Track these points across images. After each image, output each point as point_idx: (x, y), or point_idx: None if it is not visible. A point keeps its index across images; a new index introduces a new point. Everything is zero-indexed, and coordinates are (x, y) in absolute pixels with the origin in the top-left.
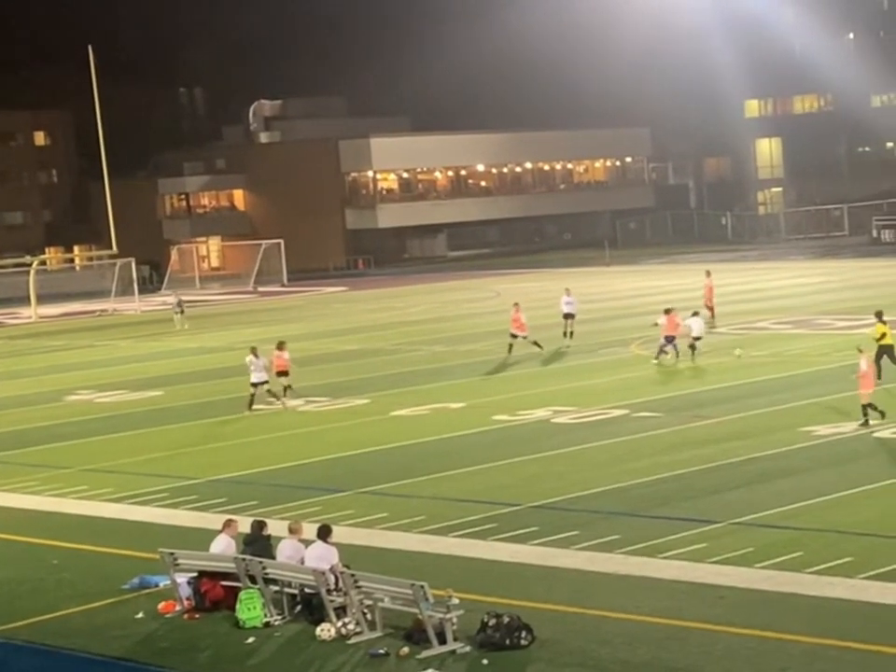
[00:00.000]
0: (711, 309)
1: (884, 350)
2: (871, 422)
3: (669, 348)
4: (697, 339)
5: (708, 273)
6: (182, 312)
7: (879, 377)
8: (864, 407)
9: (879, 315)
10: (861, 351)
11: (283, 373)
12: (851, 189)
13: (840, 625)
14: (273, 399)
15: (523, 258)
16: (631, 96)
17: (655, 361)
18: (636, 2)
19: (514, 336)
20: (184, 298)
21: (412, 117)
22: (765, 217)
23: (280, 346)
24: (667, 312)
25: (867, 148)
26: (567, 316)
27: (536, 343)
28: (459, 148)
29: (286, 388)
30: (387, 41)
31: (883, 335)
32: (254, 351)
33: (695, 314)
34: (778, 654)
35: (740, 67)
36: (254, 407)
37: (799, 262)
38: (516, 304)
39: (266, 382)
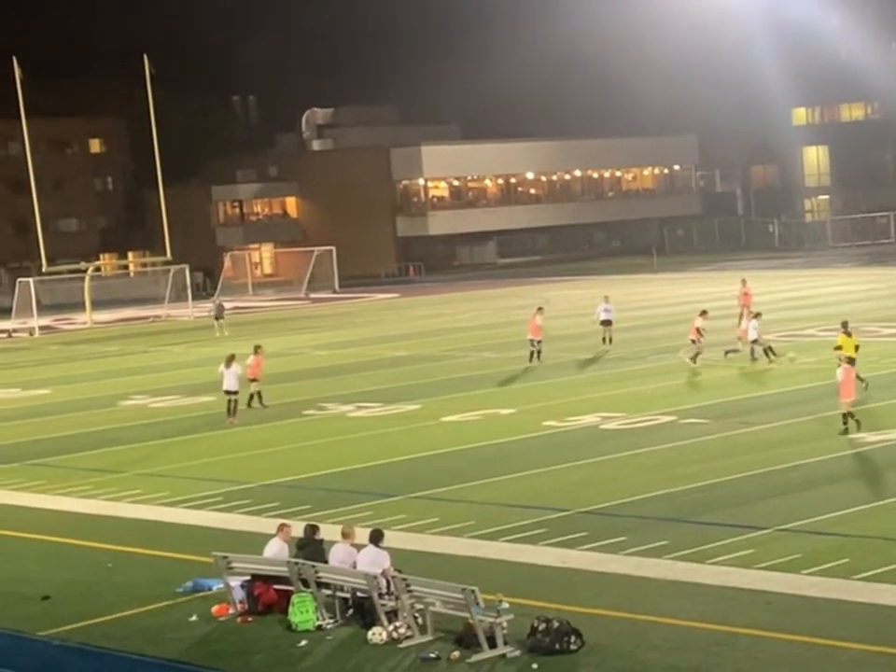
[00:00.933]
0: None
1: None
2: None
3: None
4: (754, 342)
5: (744, 281)
6: (220, 317)
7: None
8: (844, 416)
9: (844, 325)
10: (840, 360)
11: (254, 380)
12: None
13: (889, 632)
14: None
15: (571, 265)
16: (679, 104)
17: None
18: (684, 10)
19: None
20: (224, 303)
21: (462, 125)
22: (812, 224)
23: (256, 350)
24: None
25: None
26: (606, 323)
27: (537, 353)
28: (509, 156)
29: (252, 395)
30: (438, 49)
31: (839, 347)
32: (230, 360)
33: (757, 315)
34: (826, 661)
35: (787, 75)
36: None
37: (845, 270)
38: (540, 308)
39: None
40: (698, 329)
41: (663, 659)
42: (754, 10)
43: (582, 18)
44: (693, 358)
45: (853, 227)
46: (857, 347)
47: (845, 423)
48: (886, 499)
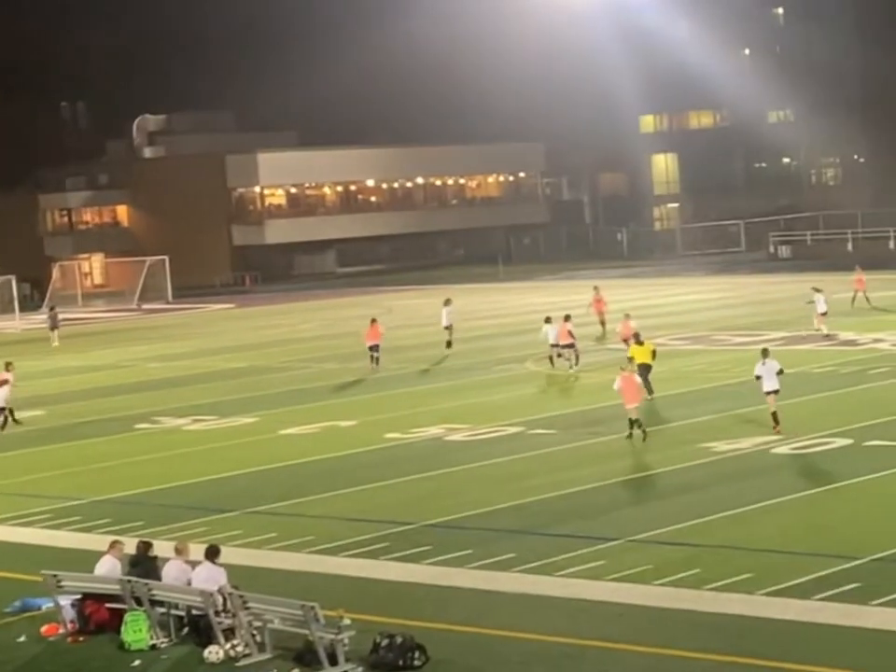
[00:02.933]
0: (603, 324)
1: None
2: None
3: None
4: (554, 346)
5: (597, 289)
6: (56, 328)
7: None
8: (630, 422)
9: (636, 336)
10: (622, 369)
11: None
12: (748, 204)
13: (740, 642)
14: None
15: (414, 274)
16: (524, 111)
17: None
18: (531, 14)
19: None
20: (59, 314)
21: (300, 131)
22: (662, 232)
23: (7, 367)
24: (566, 318)
25: (763, 164)
26: (448, 328)
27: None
28: (348, 163)
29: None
30: (275, 55)
31: (632, 358)
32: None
33: (548, 320)
34: None
35: (635, 82)
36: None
37: (696, 278)
38: (373, 320)
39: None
40: (570, 333)
41: None
42: (603, 16)
43: (426, 21)
44: (575, 362)
45: (703, 235)
46: (654, 353)
47: (630, 428)
48: (736, 509)
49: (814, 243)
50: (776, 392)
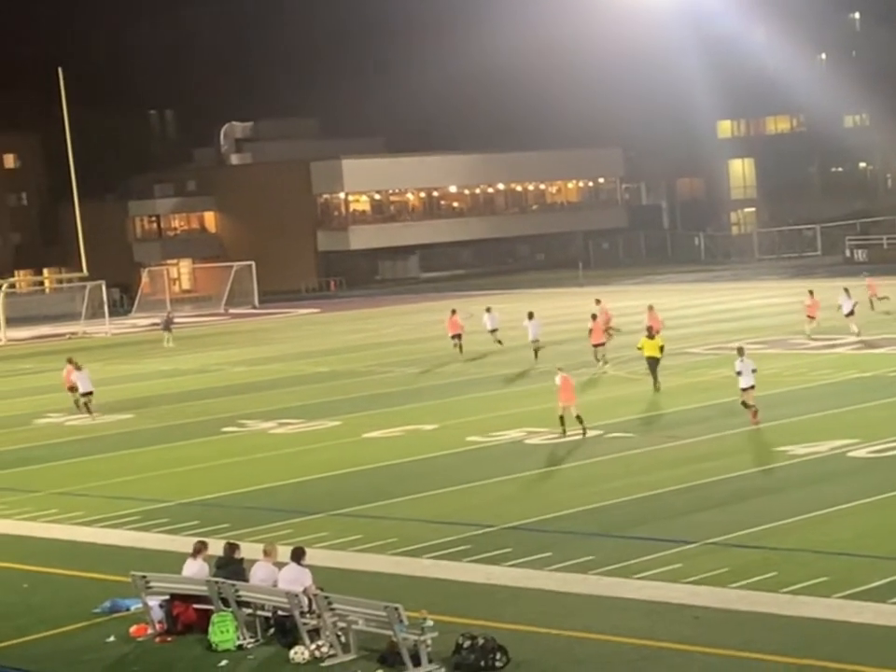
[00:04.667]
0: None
1: (649, 362)
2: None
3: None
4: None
5: (598, 301)
6: (169, 329)
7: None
8: (561, 417)
9: (649, 329)
10: (560, 369)
11: (73, 388)
12: (824, 208)
13: (816, 645)
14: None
15: (496, 279)
16: (604, 117)
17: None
18: (610, 22)
19: (455, 337)
20: (174, 317)
21: (384, 138)
22: (738, 237)
23: (71, 361)
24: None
25: (839, 168)
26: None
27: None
28: (431, 170)
29: (84, 404)
30: (359, 62)
31: (641, 348)
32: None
33: (529, 315)
34: None
35: (713, 88)
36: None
37: (772, 282)
38: (453, 311)
39: (91, 393)
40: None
41: None
42: (681, 22)
43: (508, 30)
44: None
45: (779, 239)
46: (661, 348)
47: (562, 424)
48: (813, 512)
49: (890, 246)
50: (752, 388)
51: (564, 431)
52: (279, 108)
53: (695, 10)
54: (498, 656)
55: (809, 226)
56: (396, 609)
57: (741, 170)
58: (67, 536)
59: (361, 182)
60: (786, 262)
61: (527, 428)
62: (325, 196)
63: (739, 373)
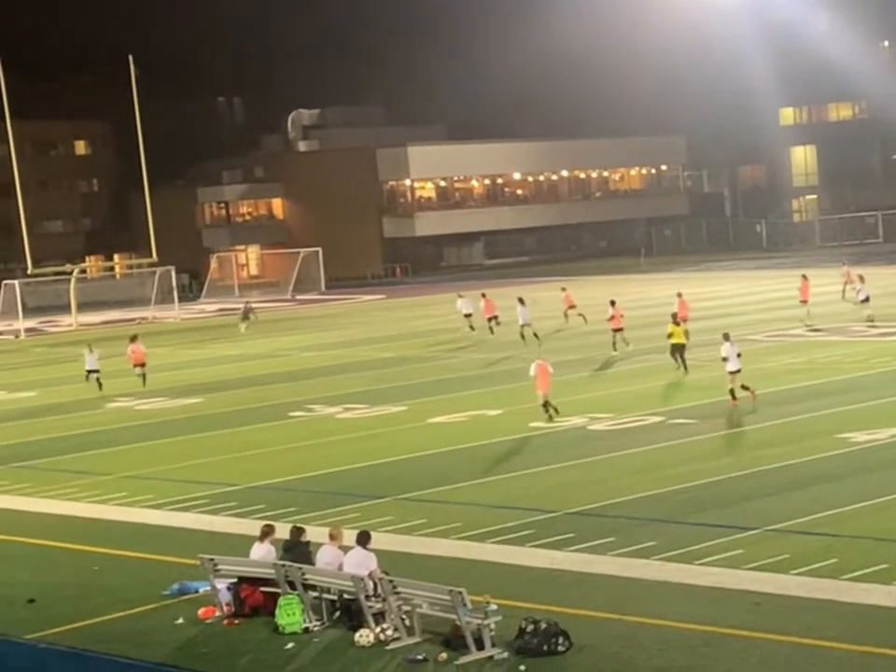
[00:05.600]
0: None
1: (675, 348)
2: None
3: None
4: (524, 326)
5: (564, 289)
6: (247, 318)
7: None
8: (544, 405)
9: (674, 316)
10: (537, 358)
11: (140, 364)
12: (885, 196)
13: (877, 632)
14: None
15: (559, 265)
16: (667, 104)
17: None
18: (672, 10)
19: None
20: (252, 304)
21: (449, 125)
22: (800, 224)
23: (134, 339)
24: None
25: None
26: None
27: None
28: (496, 157)
29: (143, 377)
30: (425, 50)
31: (670, 335)
32: (89, 346)
33: (519, 300)
34: (815, 661)
35: (775, 75)
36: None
37: (833, 270)
38: (483, 294)
39: (98, 371)
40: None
41: (651, 660)
42: (742, 10)
43: (570, 18)
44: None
45: (841, 226)
46: (686, 333)
47: (546, 412)
48: (874, 499)
49: None
50: (738, 371)
51: (550, 417)
52: (346, 96)
53: None
54: (561, 640)
55: (871, 213)
56: (460, 593)
57: (803, 157)
58: (137, 519)
59: (427, 169)
60: (847, 249)
61: (590, 414)
62: (391, 183)
63: (725, 359)
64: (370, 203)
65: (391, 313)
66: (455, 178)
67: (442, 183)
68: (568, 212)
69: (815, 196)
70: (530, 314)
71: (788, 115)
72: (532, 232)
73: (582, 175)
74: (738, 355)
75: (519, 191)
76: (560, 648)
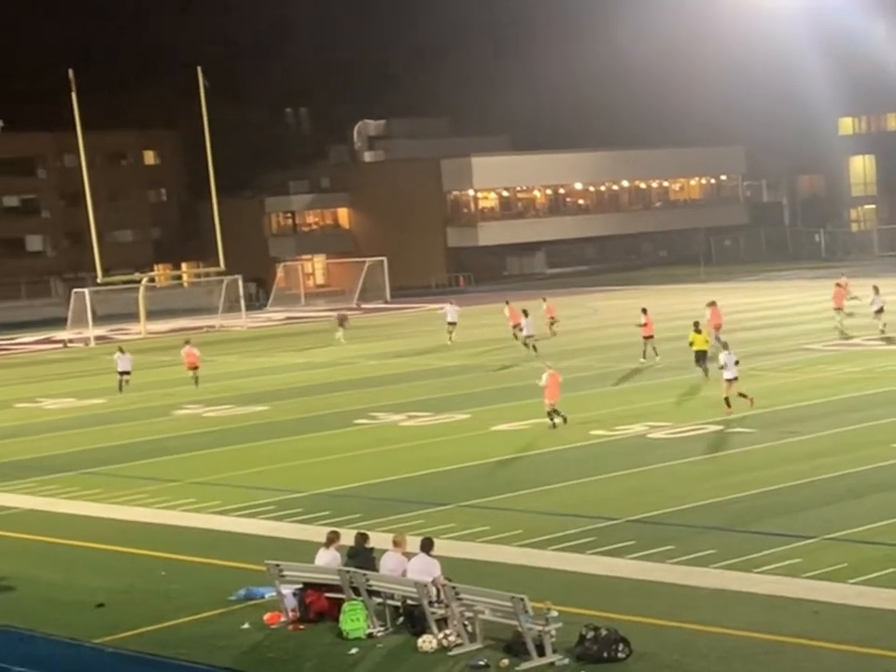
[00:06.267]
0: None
1: (699, 355)
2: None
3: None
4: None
5: (544, 299)
6: (343, 325)
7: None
8: (549, 413)
9: (696, 324)
10: (548, 367)
11: (193, 367)
12: None
13: None
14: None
15: (619, 275)
16: (726, 115)
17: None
18: (730, 20)
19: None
20: (347, 312)
21: (511, 136)
22: (858, 234)
23: (188, 342)
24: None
25: None
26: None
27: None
28: (557, 167)
29: (196, 379)
30: (488, 61)
31: (692, 343)
32: (121, 348)
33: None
34: (873, 670)
35: (834, 85)
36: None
37: (892, 279)
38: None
39: (129, 372)
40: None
41: (710, 667)
42: (801, 19)
43: (630, 29)
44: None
45: None
46: (707, 341)
47: (551, 419)
48: None
49: None
50: (735, 379)
51: (554, 425)
52: (411, 107)
53: (817, 7)
54: (621, 648)
55: None
56: (521, 599)
57: (862, 167)
58: (204, 525)
59: (489, 179)
60: None
61: (650, 423)
62: (454, 193)
63: (723, 367)
64: (434, 212)
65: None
66: (518, 188)
67: (505, 193)
68: (629, 222)
69: (873, 206)
70: (534, 326)
71: (847, 125)
72: (593, 242)
73: (643, 186)
74: (736, 363)
75: (580, 201)
76: (620, 655)
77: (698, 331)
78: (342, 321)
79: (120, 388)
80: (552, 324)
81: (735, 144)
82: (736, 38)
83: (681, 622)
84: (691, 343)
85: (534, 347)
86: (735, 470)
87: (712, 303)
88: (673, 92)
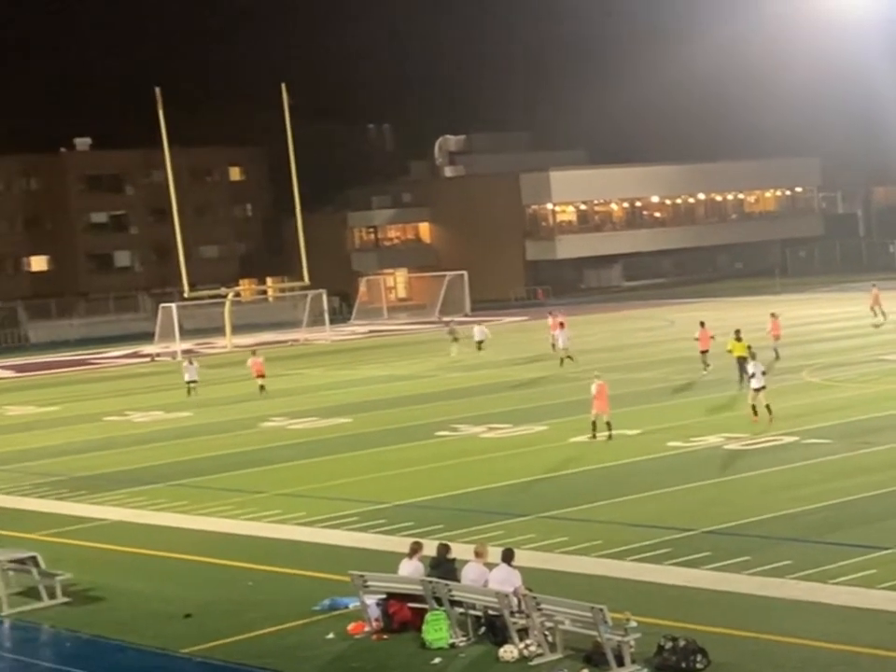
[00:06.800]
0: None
1: (739, 361)
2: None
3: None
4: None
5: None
6: (457, 339)
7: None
8: (594, 424)
9: (737, 332)
10: (597, 377)
11: (260, 376)
12: None
13: None
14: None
15: (696, 287)
16: (801, 127)
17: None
18: (805, 32)
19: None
20: (456, 324)
21: (589, 150)
22: None
23: (254, 353)
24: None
25: None
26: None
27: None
28: (634, 181)
29: (262, 388)
30: (565, 77)
31: (731, 350)
32: (189, 359)
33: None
34: None
35: None
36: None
37: None
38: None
39: (196, 381)
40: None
41: None
42: (875, 31)
43: (706, 43)
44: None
45: None
46: (749, 348)
47: (594, 429)
48: None
49: None
50: (763, 388)
51: (594, 435)
52: (491, 122)
53: (892, 18)
54: (699, 658)
55: None
56: (601, 610)
57: None
58: (289, 536)
59: (567, 193)
60: None
61: (726, 434)
62: (533, 207)
63: (752, 375)
64: (513, 226)
65: (533, 334)
66: (595, 202)
67: (583, 206)
68: (705, 234)
69: None
70: (568, 338)
71: None
72: (669, 255)
73: (718, 198)
74: (763, 373)
75: (657, 214)
76: (698, 665)
77: (738, 339)
78: (454, 335)
79: (189, 394)
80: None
81: (810, 155)
82: (811, 50)
83: (758, 632)
84: (729, 351)
85: (570, 357)
86: (811, 481)
87: (773, 315)
88: (748, 105)
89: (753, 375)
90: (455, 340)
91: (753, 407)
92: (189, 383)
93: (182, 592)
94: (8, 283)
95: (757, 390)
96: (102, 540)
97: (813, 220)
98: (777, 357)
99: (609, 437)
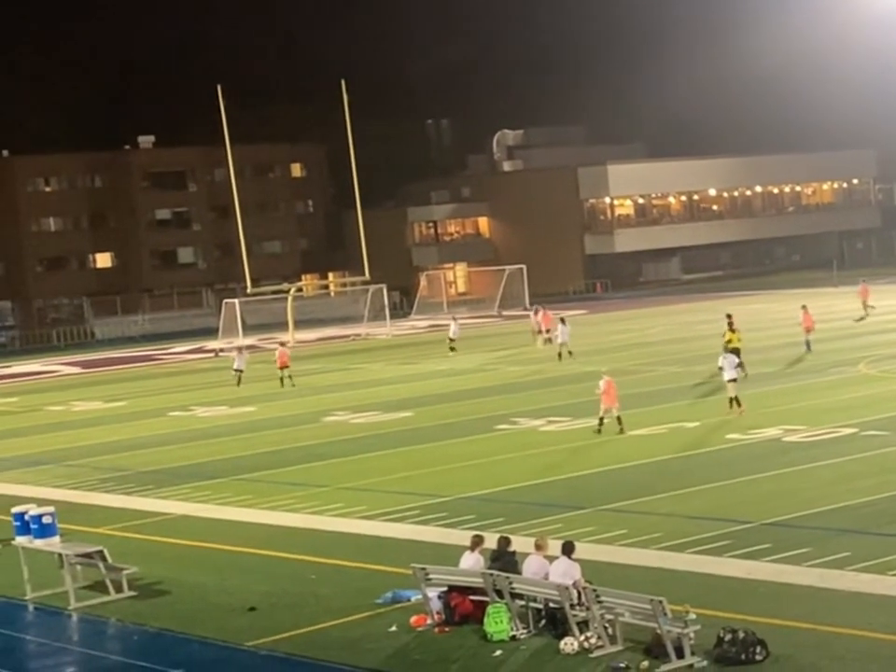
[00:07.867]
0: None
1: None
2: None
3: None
4: (562, 344)
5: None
6: (540, 332)
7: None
8: (602, 419)
9: (730, 324)
10: (603, 374)
11: (284, 367)
12: None
13: None
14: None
15: (753, 279)
16: (857, 118)
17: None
18: (861, 24)
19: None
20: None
21: (646, 143)
22: None
23: (283, 344)
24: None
25: None
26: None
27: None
28: (691, 173)
29: (288, 377)
30: (622, 71)
31: (729, 341)
32: (239, 348)
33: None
34: None
35: None
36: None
37: None
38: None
39: (242, 371)
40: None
41: (846, 670)
42: None
43: (764, 36)
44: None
45: None
46: (729, 342)
47: (601, 423)
48: None
49: None
50: (735, 380)
51: (599, 430)
52: (549, 116)
53: None
54: (758, 650)
55: None
56: (660, 602)
57: None
58: (352, 529)
59: (625, 186)
60: None
61: (784, 426)
62: (591, 201)
63: (721, 368)
64: (571, 220)
65: (592, 328)
66: (653, 195)
67: (641, 200)
68: (762, 226)
69: None
70: (568, 334)
71: None
72: (727, 247)
73: (775, 191)
74: (739, 365)
75: (714, 207)
76: (758, 657)
77: (733, 330)
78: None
79: (238, 383)
80: (546, 331)
81: (866, 147)
82: (867, 42)
83: (818, 624)
84: (728, 342)
85: (569, 353)
86: (870, 473)
87: (804, 307)
88: (804, 97)
89: (722, 368)
90: (540, 332)
91: (735, 399)
92: (236, 371)
93: (246, 585)
94: (74, 280)
95: (730, 381)
96: (167, 534)
97: (870, 212)
98: (809, 350)
99: (621, 431)
